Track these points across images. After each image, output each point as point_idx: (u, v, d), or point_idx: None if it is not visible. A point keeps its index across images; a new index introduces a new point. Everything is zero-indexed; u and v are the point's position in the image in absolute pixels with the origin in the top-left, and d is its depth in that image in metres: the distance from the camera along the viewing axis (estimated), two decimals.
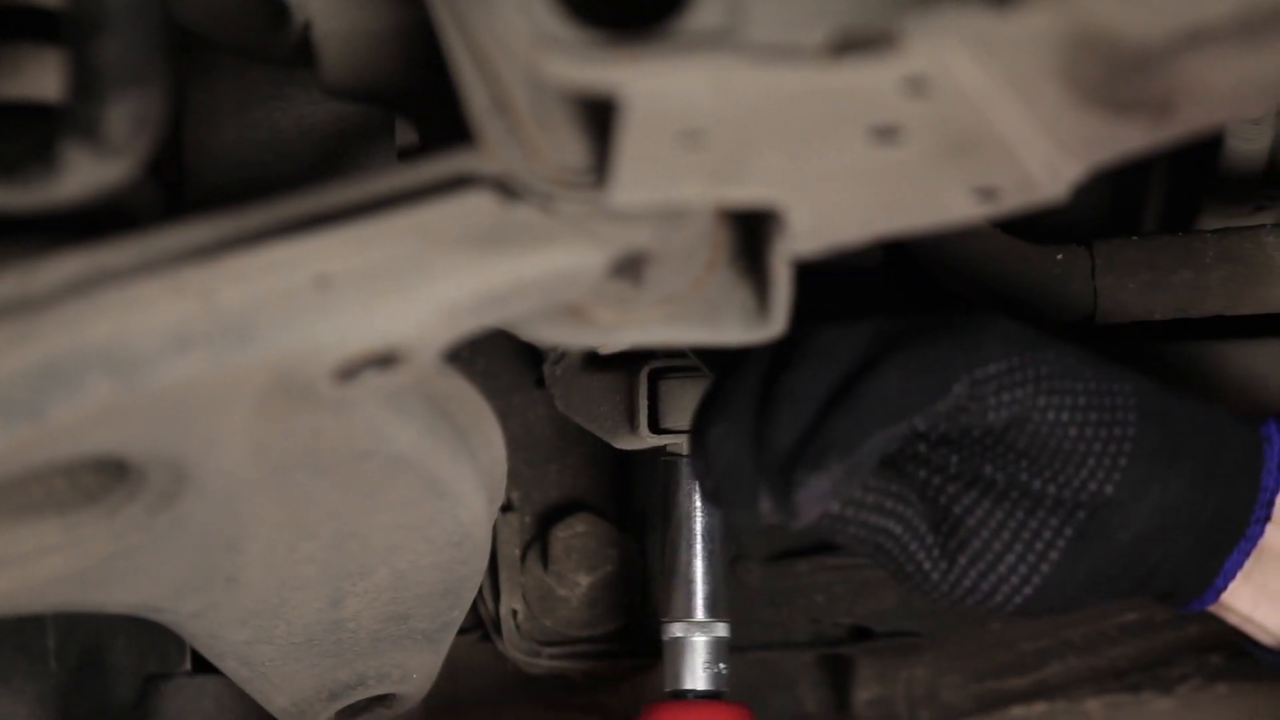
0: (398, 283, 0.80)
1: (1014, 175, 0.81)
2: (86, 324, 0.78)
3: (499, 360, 1.44)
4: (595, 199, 0.81)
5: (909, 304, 1.29)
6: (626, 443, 1.29)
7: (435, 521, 0.97)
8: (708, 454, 1.01)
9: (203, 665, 1.33)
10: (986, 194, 0.82)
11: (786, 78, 0.74)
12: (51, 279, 0.78)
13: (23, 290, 0.78)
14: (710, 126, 0.76)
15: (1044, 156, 0.81)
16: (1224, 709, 1.55)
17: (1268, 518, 1.06)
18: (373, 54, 0.90)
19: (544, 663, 1.44)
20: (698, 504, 1.25)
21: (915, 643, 1.48)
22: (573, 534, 1.43)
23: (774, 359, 1.01)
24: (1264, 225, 1.26)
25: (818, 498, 0.99)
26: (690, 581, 1.25)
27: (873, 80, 0.75)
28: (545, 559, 1.43)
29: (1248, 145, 1.29)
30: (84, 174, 0.79)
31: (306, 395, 0.82)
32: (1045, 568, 1.04)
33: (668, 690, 1.25)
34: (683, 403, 1.24)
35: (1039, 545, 1.04)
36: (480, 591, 1.44)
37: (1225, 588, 1.07)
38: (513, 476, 1.42)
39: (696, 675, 1.24)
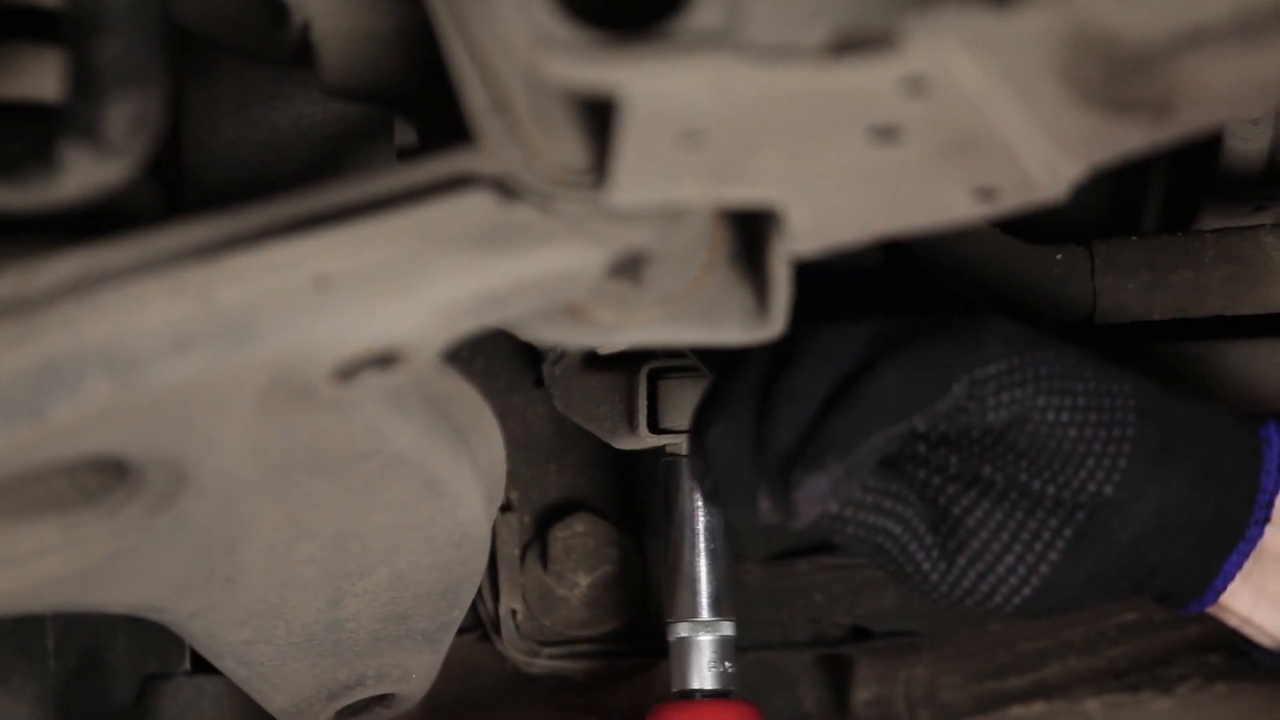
0: (397, 283, 0.80)
1: (1013, 175, 0.81)
2: (86, 324, 0.77)
3: (498, 360, 1.44)
4: (594, 199, 0.81)
5: (908, 304, 1.29)
6: (626, 443, 1.29)
7: (434, 521, 0.97)
8: (707, 454, 1.01)
9: (202, 665, 1.33)
10: (986, 194, 0.82)
11: (786, 78, 0.74)
12: (51, 279, 0.78)
13: (22, 290, 0.78)
14: (710, 126, 0.76)
15: (1043, 156, 0.81)
16: (1223, 709, 1.55)
17: (1267, 519, 1.06)
18: (372, 54, 0.90)
19: (543, 663, 1.44)
20: (699, 503, 1.25)
21: (914, 643, 1.48)
22: (572, 534, 1.43)
23: (773, 359, 1.01)
24: (1263, 225, 1.26)
25: (817, 498, 0.99)
26: (694, 581, 1.25)
27: (872, 80, 0.75)
28: (544, 559, 1.43)
29: (1247, 145, 1.29)
30: (83, 174, 0.79)
31: (306, 395, 0.82)
32: (1044, 568, 1.04)
33: (675, 690, 1.25)
34: (682, 403, 1.24)
35: (1038, 546, 1.04)
36: (479, 591, 1.44)
37: (1224, 589, 1.07)
38: (512, 476, 1.42)
39: (703, 674, 1.25)
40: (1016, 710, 1.53)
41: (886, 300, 1.29)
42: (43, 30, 0.89)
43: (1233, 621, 1.10)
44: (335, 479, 0.91)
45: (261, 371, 0.80)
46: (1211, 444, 1.05)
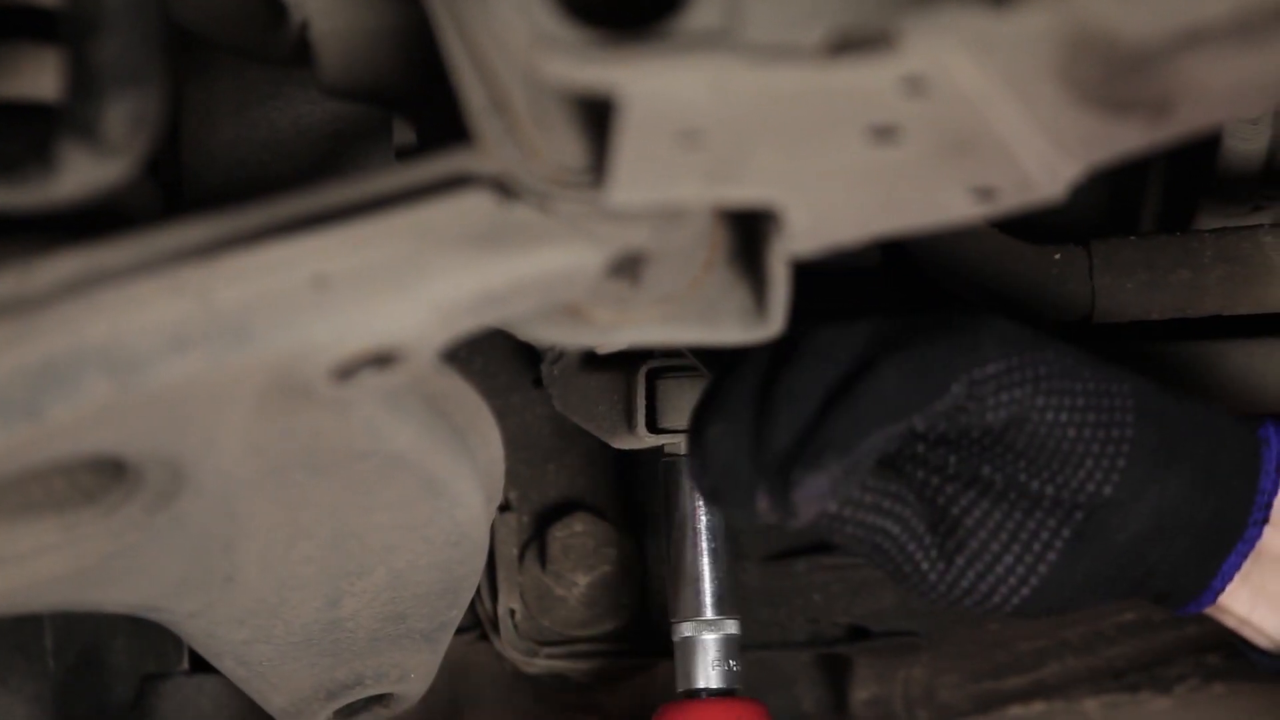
0: (395, 282, 0.80)
1: (1012, 175, 0.81)
2: (84, 323, 0.77)
3: (497, 360, 1.44)
4: (593, 199, 0.81)
5: (907, 304, 1.29)
6: (624, 442, 1.29)
7: (433, 521, 0.97)
8: (706, 453, 1.01)
9: (200, 665, 1.33)
10: (984, 194, 0.82)
11: (784, 77, 0.74)
12: (49, 278, 0.78)
13: (20, 290, 0.78)
14: (708, 126, 0.76)
15: (1042, 156, 0.81)
16: (1221, 709, 1.55)
17: (1265, 520, 1.06)
18: (370, 53, 0.90)
19: (542, 662, 1.44)
20: (700, 503, 1.25)
21: (913, 642, 1.48)
22: (570, 533, 1.43)
23: (772, 359, 1.01)
24: (1262, 225, 1.26)
25: (816, 497, 0.99)
26: (697, 580, 1.25)
27: (871, 80, 0.75)
28: (543, 559, 1.43)
29: (1245, 145, 1.29)
30: (82, 173, 0.79)
31: (304, 395, 0.82)
32: (1043, 568, 1.04)
33: (680, 690, 1.25)
34: (680, 402, 1.24)
35: (1036, 546, 1.04)
36: (478, 591, 1.44)
37: (1223, 589, 1.07)
38: (510, 476, 1.42)
39: (708, 673, 1.25)
40: (1015, 710, 1.53)
41: (885, 300, 1.29)
42: (42, 30, 0.89)
43: (1230, 622, 1.10)
44: (334, 479, 0.91)
45: (260, 371, 0.80)
46: (1210, 444, 1.05)
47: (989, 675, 1.51)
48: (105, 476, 0.88)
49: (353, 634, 1.05)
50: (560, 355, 1.28)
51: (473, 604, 1.44)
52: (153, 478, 0.87)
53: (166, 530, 0.90)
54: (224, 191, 1.05)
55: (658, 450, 1.27)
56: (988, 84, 0.76)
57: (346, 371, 0.81)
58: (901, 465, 1.05)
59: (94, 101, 0.77)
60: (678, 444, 1.25)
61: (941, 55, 0.74)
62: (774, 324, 0.88)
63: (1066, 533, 1.03)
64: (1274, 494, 1.06)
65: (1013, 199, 0.83)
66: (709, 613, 1.25)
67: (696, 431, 1.02)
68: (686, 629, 1.25)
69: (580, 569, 1.43)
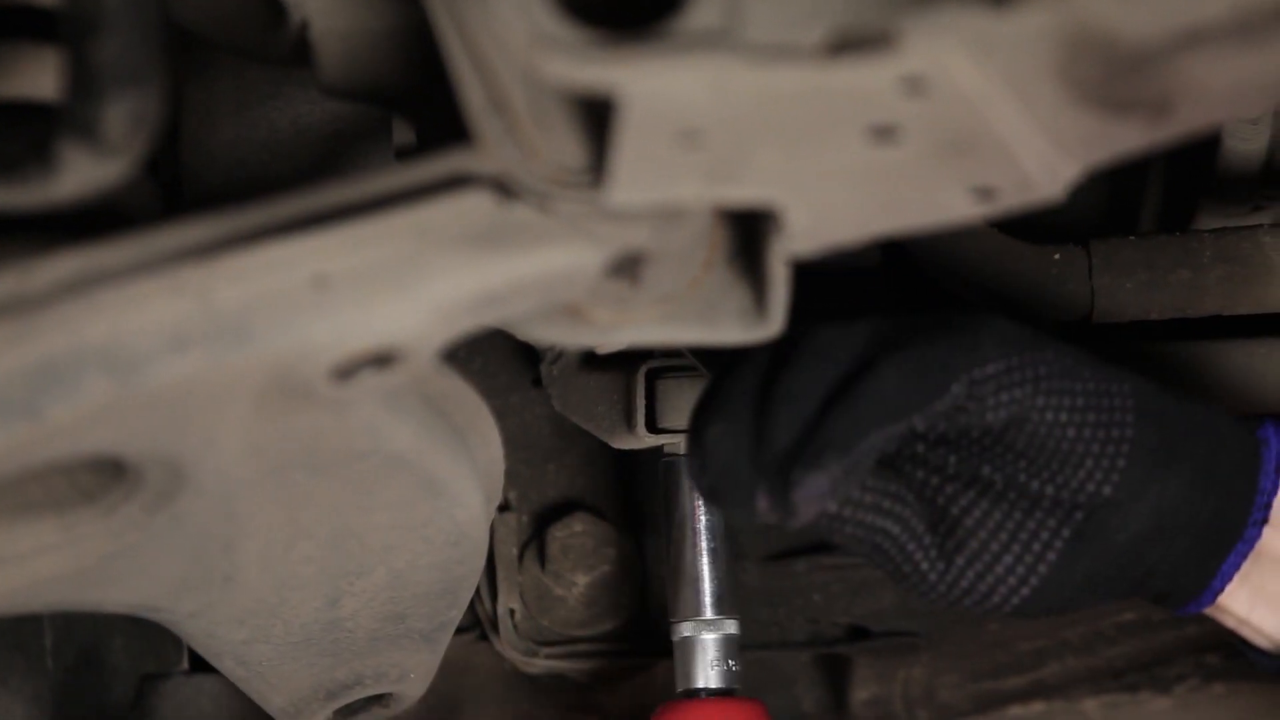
0: (395, 282, 0.80)
1: (1011, 175, 0.81)
2: (84, 323, 0.77)
3: (496, 360, 1.44)
4: (593, 199, 0.81)
5: (907, 304, 1.29)
6: (624, 442, 1.29)
7: (432, 521, 0.97)
8: (705, 453, 1.01)
9: (200, 664, 1.33)
10: (984, 194, 0.82)
11: (784, 77, 0.74)
12: (49, 278, 0.78)
13: (20, 289, 0.78)
14: (708, 126, 0.76)
15: (1041, 156, 0.81)
16: (1221, 709, 1.55)
17: (1265, 520, 1.06)
18: (370, 53, 0.90)
19: (541, 662, 1.44)
20: (700, 502, 1.25)
21: (913, 642, 1.48)
22: (570, 533, 1.43)
23: (772, 359, 1.01)
24: (1261, 225, 1.26)
25: (815, 497, 0.99)
26: (697, 580, 1.25)
27: (870, 80, 0.75)
28: (543, 558, 1.43)
29: (1245, 145, 1.29)
30: (81, 173, 0.79)
31: (304, 395, 0.82)
32: (1042, 568, 1.04)
33: (679, 690, 1.25)
34: (680, 402, 1.24)
35: (1036, 546, 1.04)
36: (478, 591, 1.44)
37: (1222, 590, 1.07)
38: (510, 476, 1.42)
39: (708, 673, 1.25)
40: (1015, 710, 1.53)
41: (884, 300, 1.29)
42: (41, 30, 0.89)
43: (1230, 622, 1.10)
44: (333, 478, 0.91)
45: (259, 371, 0.80)
46: (1210, 444, 1.05)
47: (989, 675, 1.51)
48: (105, 476, 0.88)
49: (352, 634, 1.05)
50: (560, 355, 1.28)
51: (472, 604, 1.44)
52: (152, 478, 0.87)
53: (166, 530, 0.90)
54: (224, 191, 1.05)
55: (657, 450, 1.27)
56: (987, 84, 0.76)
57: (346, 371, 0.81)
58: (901, 465, 1.05)
59: (94, 101, 0.77)
60: (677, 444, 1.25)
61: (941, 55, 0.74)
62: (774, 324, 0.88)
63: (1066, 533, 1.03)
64: (1274, 494, 1.06)
65: (1012, 199, 0.83)
66: (708, 613, 1.25)
67: (696, 431, 1.02)
68: (686, 629, 1.25)
69: (580, 569, 1.43)
